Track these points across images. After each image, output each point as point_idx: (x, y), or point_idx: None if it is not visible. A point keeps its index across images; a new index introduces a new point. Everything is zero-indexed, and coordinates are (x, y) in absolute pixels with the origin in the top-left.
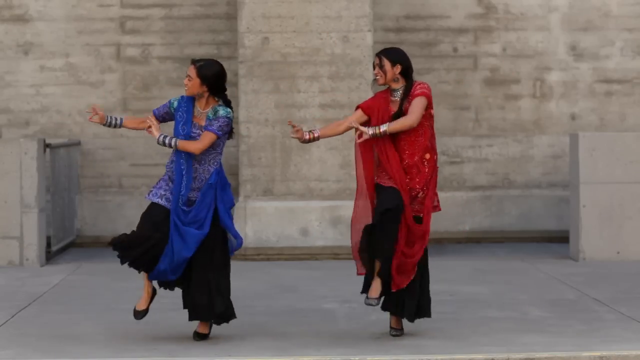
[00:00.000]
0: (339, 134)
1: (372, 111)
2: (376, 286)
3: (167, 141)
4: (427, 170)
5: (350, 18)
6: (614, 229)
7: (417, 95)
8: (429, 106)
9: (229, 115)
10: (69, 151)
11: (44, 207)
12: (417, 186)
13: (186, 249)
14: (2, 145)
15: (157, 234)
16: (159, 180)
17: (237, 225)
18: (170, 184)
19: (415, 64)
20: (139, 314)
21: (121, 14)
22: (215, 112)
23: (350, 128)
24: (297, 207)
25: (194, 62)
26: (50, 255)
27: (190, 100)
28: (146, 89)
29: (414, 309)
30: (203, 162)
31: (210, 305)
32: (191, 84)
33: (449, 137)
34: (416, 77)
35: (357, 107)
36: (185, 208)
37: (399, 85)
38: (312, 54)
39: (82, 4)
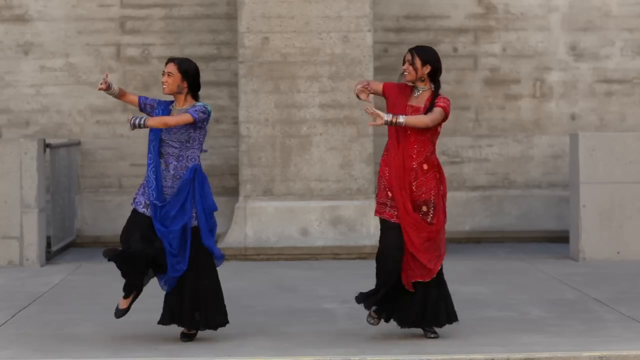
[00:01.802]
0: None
1: (391, 94)
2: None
3: (137, 122)
4: (430, 178)
5: (350, 18)
6: (614, 229)
7: (440, 106)
8: (442, 121)
9: (207, 107)
10: (69, 151)
11: (44, 207)
12: (423, 196)
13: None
14: (2, 145)
15: (148, 250)
16: (141, 186)
17: (237, 225)
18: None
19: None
20: (120, 312)
21: (121, 14)
22: (194, 106)
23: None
24: (297, 207)
25: (172, 59)
26: (50, 255)
27: (167, 106)
28: (146, 89)
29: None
30: (181, 158)
31: (196, 315)
32: (172, 80)
33: (449, 137)
34: None
35: (384, 84)
36: (158, 203)
37: (424, 85)
38: (312, 54)
39: (82, 4)
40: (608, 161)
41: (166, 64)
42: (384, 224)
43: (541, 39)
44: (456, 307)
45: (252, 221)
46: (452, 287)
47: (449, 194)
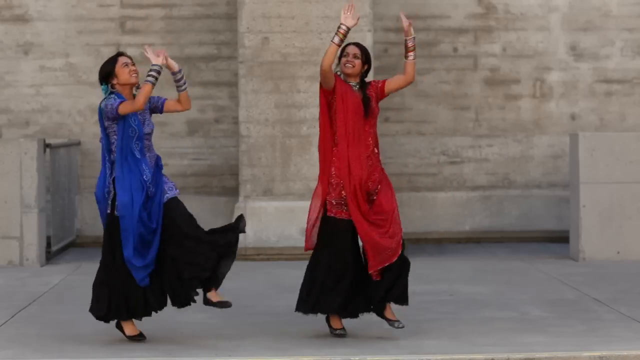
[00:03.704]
0: None
1: (341, 85)
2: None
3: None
4: (379, 164)
5: None
6: (614, 229)
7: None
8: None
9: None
10: (69, 151)
11: (44, 207)
12: (374, 185)
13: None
14: (2, 145)
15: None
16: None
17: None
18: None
19: (416, 64)
20: (137, 337)
21: (121, 14)
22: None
23: None
24: (297, 207)
25: (122, 53)
26: (50, 255)
27: (121, 96)
28: None
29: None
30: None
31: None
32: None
33: (449, 137)
34: (416, 77)
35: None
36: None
37: (355, 81)
38: (312, 54)
39: (82, 4)
40: (608, 161)
41: (125, 55)
42: (336, 225)
43: (541, 39)
44: (456, 307)
45: (252, 221)
46: (452, 287)
47: (449, 194)
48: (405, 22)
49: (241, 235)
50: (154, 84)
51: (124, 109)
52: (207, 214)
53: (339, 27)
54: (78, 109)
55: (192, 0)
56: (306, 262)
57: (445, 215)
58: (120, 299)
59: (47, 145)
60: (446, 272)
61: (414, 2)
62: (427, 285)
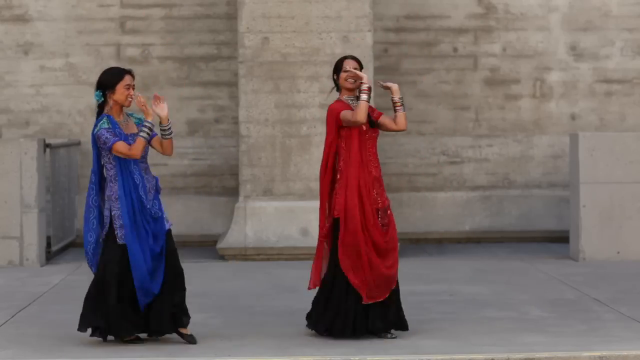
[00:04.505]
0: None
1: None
2: None
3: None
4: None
5: (350, 18)
6: (614, 229)
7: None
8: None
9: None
10: (69, 151)
11: (44, 207)
12: (386, 202)
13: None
14: (2, 145)
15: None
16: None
17: (237, 225)
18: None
19: (415, 64)
20: (134, 341)
21: (121, 14)
22: (135, 117)
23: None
24: (297, 207)
25: (130, 71)
26: (50, 255)
27: (112, 119)
28: (146, 88)
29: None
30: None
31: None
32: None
33: (449, 137)
34: (416, 77)
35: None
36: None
37: (354, 95)
38: (312, 54)
39: (82, 4)
40: (608, 161)
41: (131, 75)
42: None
43: (541, 39)
44: (456, 307)
45: (252, 221)
46: (452, 287)
47: (449, 194)
48: (392, 85)
49: (241, 235)
50: (147, 140)
51: (117, 152)
52: (207, 214)
53: (367, 87)
54: (78, 109)
55: (192, 0)
56: (306, 262)
57: (445, 215)
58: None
59: (47, 145)
60: (446, 272)
61: (414, 2)
62: (427, 285)
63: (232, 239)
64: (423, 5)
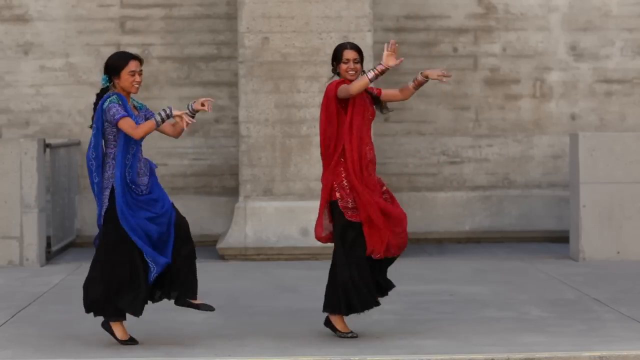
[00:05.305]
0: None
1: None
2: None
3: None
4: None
5: (350, 18)
6: (614, 229)
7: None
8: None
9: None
10: (69, 151)
11: (44, 207)
12: (382, 182)
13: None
14: (2, 145)
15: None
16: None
17: (237, 225)
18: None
19: (415, 64)
20: (129, 342)
21: (121, 14)
22: (138, 103)
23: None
24: (297, 207)
25: (137, 56)
26: (50, 255)
27: (123, 97)
28: (146, 88)
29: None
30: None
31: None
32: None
33: (449, 137)
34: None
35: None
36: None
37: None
38: (312, 54)
39: (82, 4)
40: (608, 161)
41: (139, 62)
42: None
43: (541, 39)
44: (456, 307)
45: (252, 221)
46: (452, 287)
47: (449, 194)
48: (439, 72)
49: (241, 235)
50: (158, 124)
51: (123, 127)
52: (207, 214)
53: (379, 64)
54: (78, 109)
55: (192, 0)
56: (306, 262)
57: (445, 215)
58: (114, 296)
59: (47, 145)
60: (446, 272)
61: (414, 2)
62: (427, 285)
63: (232, 239)
64: (423, 5)
